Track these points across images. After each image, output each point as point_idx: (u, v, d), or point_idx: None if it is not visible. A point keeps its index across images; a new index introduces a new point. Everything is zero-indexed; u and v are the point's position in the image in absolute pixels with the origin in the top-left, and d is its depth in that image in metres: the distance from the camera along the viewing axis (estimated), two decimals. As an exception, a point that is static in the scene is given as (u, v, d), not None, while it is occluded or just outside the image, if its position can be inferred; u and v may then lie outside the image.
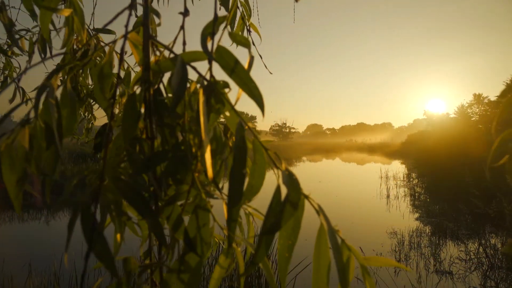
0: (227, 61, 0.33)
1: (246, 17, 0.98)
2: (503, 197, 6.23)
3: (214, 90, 0.34)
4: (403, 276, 4.76)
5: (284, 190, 0.32)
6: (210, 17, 0.39)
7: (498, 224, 6.70)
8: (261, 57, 1.03)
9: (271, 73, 1.14)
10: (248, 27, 1.00)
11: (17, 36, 1.19)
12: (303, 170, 21.18)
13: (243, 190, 0.32)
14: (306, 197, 0.33)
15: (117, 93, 0.38)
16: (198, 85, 0.34)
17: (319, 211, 0.33)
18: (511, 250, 0.22)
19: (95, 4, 1.57)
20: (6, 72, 1.69)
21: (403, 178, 14.65)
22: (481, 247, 5.63)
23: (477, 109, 22.87)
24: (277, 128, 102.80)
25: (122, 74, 0.90)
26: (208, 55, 0.34)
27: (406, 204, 9.81)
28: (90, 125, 1.90)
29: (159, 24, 0.46)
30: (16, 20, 1.25)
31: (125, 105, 0.34)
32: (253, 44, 1.01)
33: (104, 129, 0.44)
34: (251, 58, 0.36)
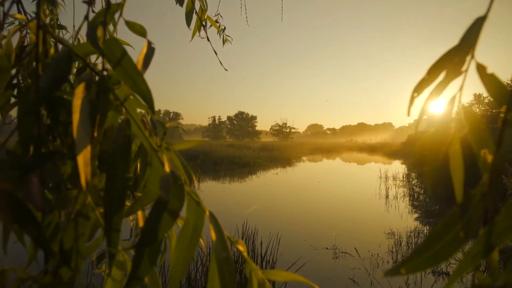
0: (115, 52, 0.30)
1: (204, 11, 0.95)
2: (498, 197, 6.19)
3: (103, 85, 0.31)
4: (402, 276, 4.73)
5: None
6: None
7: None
8: (216, 53, 1.00)
9: (226, 70, 1.11)
10: (203, 22, 0.97)
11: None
12: (303, 170, 21.14)
13: (125, 195, 0.29)
14: (199, 203, 0.30)
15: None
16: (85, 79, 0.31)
17: (211, 220, 0.29)
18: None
19: None
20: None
21: (403, 178, 14.60)
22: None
23: (477, 109, 22.82)
24: (278, 128, 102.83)
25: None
26: (95, 47, 0.31)
27: (405, 204, 9.76)
28: None
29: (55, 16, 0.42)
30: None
31: (19, 102, 0.32)
32: (208, 39, 0.98)
33: None
34: (149, 49, 0.32)
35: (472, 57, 0.24)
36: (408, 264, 0.20)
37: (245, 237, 4.48)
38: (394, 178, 14.65)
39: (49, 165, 0.31)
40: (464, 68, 0.25)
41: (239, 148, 29.00)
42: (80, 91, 0.28)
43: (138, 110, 0.34)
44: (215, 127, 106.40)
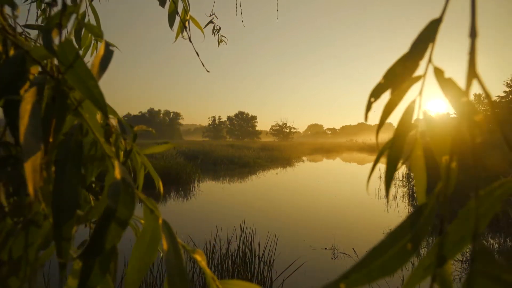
0: (67, 55, 0.29)
1: (187, 12, 0.94)
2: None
3: (59, 89, 0.30)
4: (398, 277, 4.72)
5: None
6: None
7: (495, 225, 6.63)
8: (198, 54, 0.99)
9: (208, 71, 1.10)
10: (184, 22, 0.96)
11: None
12: (303, 170, 21.13)
13: (76, 203, 0.28)
14: (153, 211, 0.29)
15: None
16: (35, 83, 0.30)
17: (164, 228, 0.28)
18: None
19: None
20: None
21: (402, 178, 14.59)
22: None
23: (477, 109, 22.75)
24: (278, 128, 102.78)
25: None
26: (48, 49, 0.30)
27: (404, 205, 9.75)
28: None
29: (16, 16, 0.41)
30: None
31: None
32: (190, 40, 0.97)
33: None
34: (107, 52, 0.31)
35: (430, 61, 0.23)
36: (350, 278, 0.19)
37: (243, 237, 4.48)
38: (394, 178, 14.61)
39: (7, 170, 0.30)
40: (420, 72, 0.24)
41: (239, 148, 28.99)
42: (30, 95, 0.27)
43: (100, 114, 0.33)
44: (215, 127, 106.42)
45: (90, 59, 1.24)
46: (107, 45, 0.32)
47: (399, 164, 0.27)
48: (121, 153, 0.41)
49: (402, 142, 0.25)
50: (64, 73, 0.28)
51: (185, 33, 0.98)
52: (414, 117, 0.26)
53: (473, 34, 0.19)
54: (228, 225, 6.14)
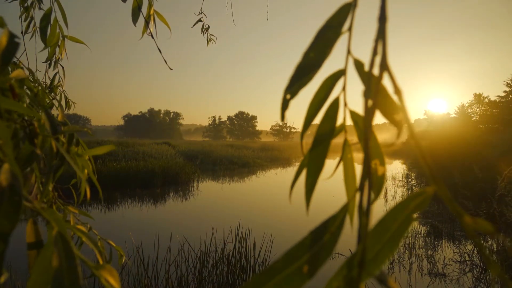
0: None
1: (151, 6, 0.91)
2: (493, 198, 6.14)
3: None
4: (397, 277, 4.69)
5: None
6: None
7: (494, 225, 6.59)
8: (160, 51, 0.96)
9: (171, 69, 1.07)
10: (147, 18, 0.92)
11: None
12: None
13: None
14: (49, 221, 0.26)
15: None
16: None
17: (57, 239, 0.25)
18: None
19: None
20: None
21: (402, 178, 14.54)
22: (476, 248, 5.54)
23: (477, 109, 22.72)
24: (278, 128, 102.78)
25: None
26: None
27: (403, 205, 9.71)
28: None
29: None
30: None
31: None
32: (152, 36, 0.93)
33: None
34: (10, 43, 0.28)
35: (349, 52, 0.20)
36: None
37: (238, 237, 4.45)
38: (393, 178, 14.59)
39: None
40: (342, 66, 0.21)
41: (238, 148, 28.97)
42: None
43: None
44: (215, 127, 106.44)
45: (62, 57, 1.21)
46: (12, 35, 0.29)
47: (333, 172, 0.24)
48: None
49: (325, 148, 0.22)
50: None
51: (152, 29, 0.94)
52: (340, 117, 0.23)
53: (382, 18, 0.16)
54: (225, 225, 6.12)
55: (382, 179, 0.20)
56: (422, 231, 6.92)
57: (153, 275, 3.79)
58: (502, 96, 20.47)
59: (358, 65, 0.21)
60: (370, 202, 0.17)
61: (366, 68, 0.20)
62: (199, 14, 2.10)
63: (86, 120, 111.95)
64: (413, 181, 13.21)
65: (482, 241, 5.91)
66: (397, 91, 0.16)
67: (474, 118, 21.02)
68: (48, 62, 1.29)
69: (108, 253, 0.68)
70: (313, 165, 0.22)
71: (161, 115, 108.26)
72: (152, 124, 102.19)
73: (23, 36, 1.30)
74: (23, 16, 1.33)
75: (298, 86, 0.21)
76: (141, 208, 9.29)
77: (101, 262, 0.39)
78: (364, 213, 0.17)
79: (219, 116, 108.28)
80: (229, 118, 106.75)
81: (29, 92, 0.61)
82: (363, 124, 0.17)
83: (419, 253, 5.68)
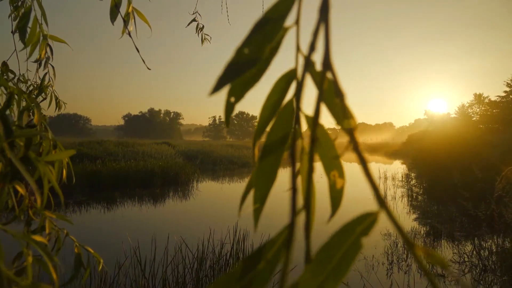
0: None
1: (130, 3, 0.88)
2: (492, 198, 6.11)
3: None
4: (395, 278, 4.66)
5: None
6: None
7: (493, 226, 6.56)
8: (138, 51, 0.94)
9: (149, 69, 1.05)
10: (125, 16, 0.90)
11: None
12: (302, 170, 21.04)
13: None
14: None
15: None
16: None
17: None
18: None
19: None
20: None
21: (402, 178, 14.51)
22: (475, 249, 5.51)
23: (477, 109, 22.67)
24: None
25: None
26: None
27: (403, 205, 9.69)
28: None
29: None
30: None
31: None
32: (129, 35, 0.91)
33: None
34: None
35: (298, 50, 0.18)
36: None
37: (236, 238, 4.42)
38: (393, 178, 14.57)
39: None
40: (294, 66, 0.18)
41: (238, 148, 28.94)
42: None
43: None
44: (216, 127, 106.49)
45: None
46: None
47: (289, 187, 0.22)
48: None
49: (277, 157, 0.20)
50: None
51: (130, 27, 0.92)
52: (293, 122, 0.21)
53: (325, 7, 0.14)
54: (224, 226, 6.10)
55: (340, 193, 0.18)
56: (422, 232, 6.90)
57: (150, 276, 3.76)
58: (502, 96, 20.43)
59: (308, 63, 0.19)
60: (308, 223, 0.14)
61: (306, 67, 0.17)
62: (193, 14, 2.08)
63: (86, 120, 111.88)
64: (413, 181, 13.18)
65: (481, 242, 5.88)
66: (339, 93, 0.14)
67: (474, 118, 20.98)
68: (38, 62, 1.27)
69: (85, 260, 0.66)
70: (262, 178, 0.20)
71: (161, 115, 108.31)
72: (152, 124, 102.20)
73: (13, 35, 1.28)
74: (13, 15, 1.31)
75: (243, 88, 0.19)
76: (141, 208, 9.27)
77: (54, 276, 0.37)
78: (307, 236, 0.15)
79: (219, 116, 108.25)
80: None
81: (5, 91, 0.58)
82: (310, 131, 0.15)
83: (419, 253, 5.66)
